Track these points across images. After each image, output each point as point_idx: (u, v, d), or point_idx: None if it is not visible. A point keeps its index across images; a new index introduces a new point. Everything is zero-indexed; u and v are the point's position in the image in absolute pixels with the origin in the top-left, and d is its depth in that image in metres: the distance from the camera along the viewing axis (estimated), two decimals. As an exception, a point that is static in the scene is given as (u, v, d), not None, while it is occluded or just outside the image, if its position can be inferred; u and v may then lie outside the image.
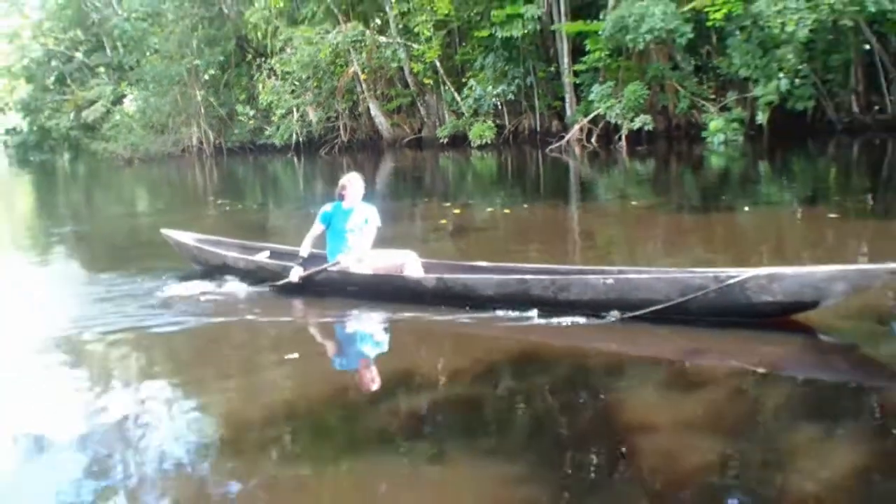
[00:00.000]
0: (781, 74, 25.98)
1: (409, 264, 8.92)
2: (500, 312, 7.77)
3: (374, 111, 38.07)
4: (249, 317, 8.47)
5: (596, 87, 29.38)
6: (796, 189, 17.36)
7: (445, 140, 34.61)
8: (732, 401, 5.75)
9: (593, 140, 29.82)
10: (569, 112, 31.90)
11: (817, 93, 27.77)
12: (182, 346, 7.80)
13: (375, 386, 6.40)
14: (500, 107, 33.91)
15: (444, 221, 14.95)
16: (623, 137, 28.55)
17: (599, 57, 29.23)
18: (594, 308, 7.47)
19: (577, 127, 30.32)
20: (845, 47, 27.45)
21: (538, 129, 33.61)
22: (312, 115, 39.09)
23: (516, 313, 7.69)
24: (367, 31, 36.12)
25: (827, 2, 22.91)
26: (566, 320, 7.39)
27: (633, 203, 16.58)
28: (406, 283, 8.66)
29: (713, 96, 29.33)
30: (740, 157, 24.55)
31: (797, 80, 26.66)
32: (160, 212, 21.66)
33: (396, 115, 38.55)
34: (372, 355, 7.50)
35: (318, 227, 9.33)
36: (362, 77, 37.05)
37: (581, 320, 7.37)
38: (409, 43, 35.14)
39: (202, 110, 44.83)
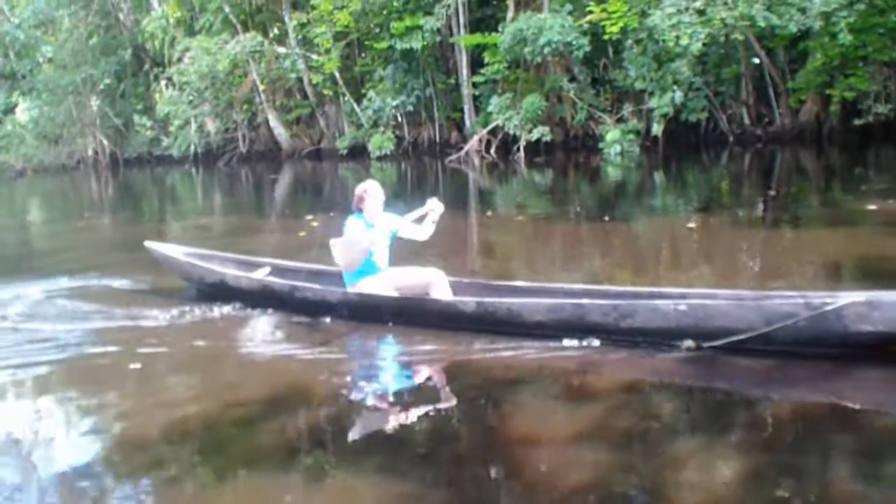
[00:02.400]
0: (676, 87, 26.63)
1: (436, 284, 8.06)
2: (552, 342, 6.91)
3: (273, 122, 37.80)
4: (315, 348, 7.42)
5: (494, 99, 29.59)
6: (690, 199, 17.72)
7: (345, 151, 34.52)
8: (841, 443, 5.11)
9: (492, 151, 30.03)
10: (468, 123, 32.09)
11: (710, 105, 28.49)
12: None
13: (397, 426, 5.65)
14: (399, 118, 33.97)
15: (303, 234, 14.91)
16: (521, 148, 28.80)
17: (498, 69, 29.48)
18: (663, 337, 6.72)
19: (476, 138, 30.49)
20: (736, 61, 28.22)
21: (438, 140, 33.73)
22: (211, 126, 38.70)
23: (571, 342, 6.89)
24: (266, 42, 35.86)
25: (719, 17, 23.46)
26: (630, 351, 6.68)
27: (532, 213, 16.75)
28: (439, 306, 7.78)
29: (610, 108, 29.81)
30: (636, 167, 24.98)
31: (691, 93, 27.46)
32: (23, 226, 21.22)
33: (296, 126, 38.32)
34: (405, 392, 6.53)
35: (366, 233, 7.96)
36: (261, 88, 36.79)
37: (646, 351, 6.66)
38: (308, 54, 34.99)
39: (97, 121, 43.93)
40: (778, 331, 6.30)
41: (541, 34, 26.50)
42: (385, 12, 31.48)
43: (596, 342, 6.84)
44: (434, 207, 8.22)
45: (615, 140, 27.51)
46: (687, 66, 26.06)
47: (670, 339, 6.67)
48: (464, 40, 30.94)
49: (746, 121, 29.09)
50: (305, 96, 37.08)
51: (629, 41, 27.66)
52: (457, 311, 7.56)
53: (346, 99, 35.20)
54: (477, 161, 29.21)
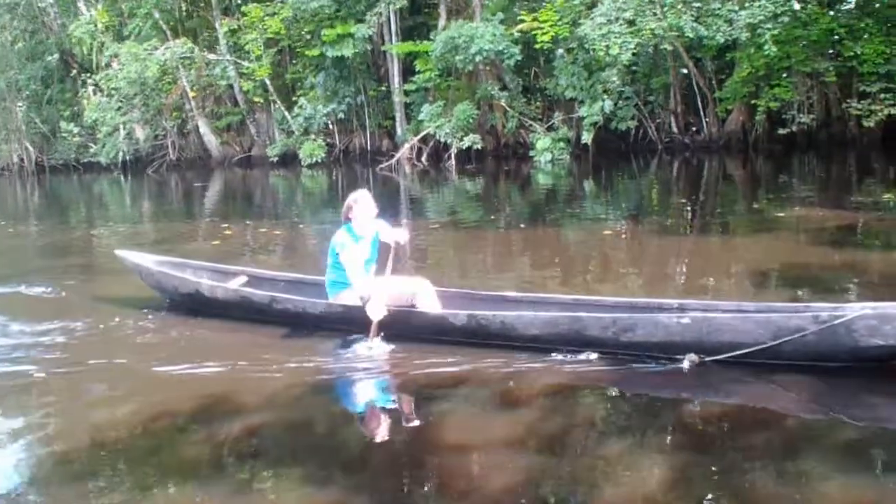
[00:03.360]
0: (605, 96, 26.99)
1: (422, 294, 7.71)
2: (555, 355, 6.68)
3: (204, 129, 37.48)
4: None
5: (426, 107, 29.68)
6: (620, 206, 17.91)
7: (276, 159, 34.34)
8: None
9: (423, 159, 30.10)
10: (399, 131, 32.12)
11: (639, 114, 28.88)
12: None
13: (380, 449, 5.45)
14: (330, 125, 33.89)
15: (217, 243, 14.87)
16: (452, 156, 28.90)
17: (429, 77, 29.56)
18: (665, 351, 6.49)
19: (407, 146, 30.54)
20: (665, 71, 28.66)
21: (369, 147, 33.74)
22: (140, 133, 38.27)
23: (566, 356, 6.66)
24: (196, 48, 35.57)
25: (648, 27, 23.79)
26: (630, 366, 6.43)
27: (462, 221, 16.81)
28: (429, 318, 7.45)
29: (540, 116, 30.08)
30: (566, 175, 25.21)
31: (620, 102, 27.84)
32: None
33: (226, 133, 38.03)
34: (371, 407, 6.38)
35: (359, 255, 7.75)
36: (191, 94, 36.47)
37: (649, 365, 6.43)
38: (239, 60, 34.78)
39: (23, 127, 43.13)
40: (785, 345, 6.16)
41: (472, 42, 26.63)
42: (316, 19, 31.38)
43: (594, 356, 6.64)
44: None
45: (546, 148, 27.75)
46: (617, 75, 26.42)
47: (672, 354, 6.46)
48: (395, 48, 30.97)
49: (675, 129, 29.55)
50: (236, 103, 36.82)
51: (560, 50, 27.94)
52: (447, 323, 7.29)
53: (277, 106, 35.05)
54: (408, 169, 29.25)
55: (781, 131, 26.74)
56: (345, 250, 7.70)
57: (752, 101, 27.11)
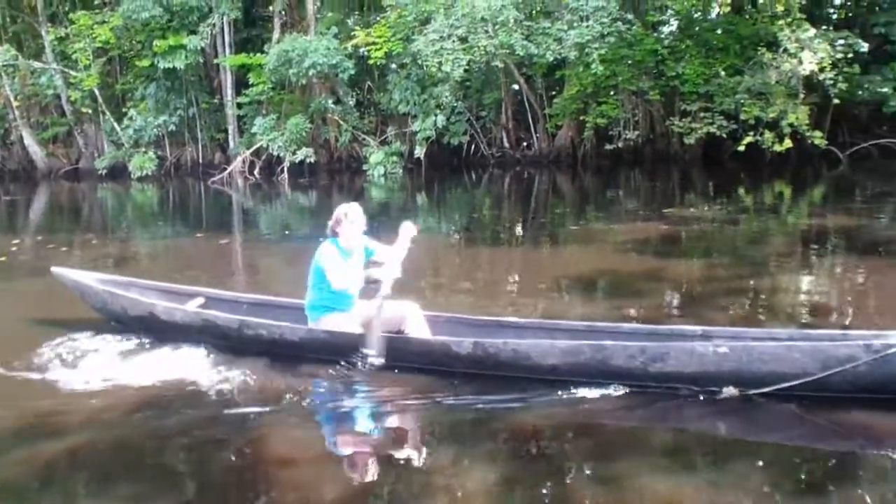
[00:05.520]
0: (438, 111, 27.33)
1: (411, 318, 7.12)
2: (578, 390, 6.07)
3: (28, 140, 36.13)
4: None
5: (259, 120, 29.38)
6: (452, 219, 18.17)
7: (105, 171, 33.39)
8: None
9: (256, 172, 29.79)
10: (232, 144, 31.70)
11: (472, 129, 29.29)
12: None
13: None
14: (162, 138, 33.21)
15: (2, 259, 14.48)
16: (285, 170, 28.70)
17: (263, 90, 29.32)
18: (700, 383, 5.93)
19: (239, 159, 30.18)
20: (497, 87, 29.18)
21: (201, 160, 33.11)
22: (-43, 144, 36.80)
23: (588, 390, 6.05)
24: (21, 56, 34.41)
25: (480, 44, 24.16)
26: (661, 400, 5.93)
27: (293, 234, 16.79)
28: (427, 346, 6.81)
29: (374, 130, 30.19)
30: (400, 189, 25.40)
31: (453, 117, 28.21)
32: None
33: (52, 144, 36.78)
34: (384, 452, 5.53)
35: (342, 265, 7.09)
36: (15, 104, 35.20)
37: (681, 400, 5.91)
38: (66, 70, 33.79)
39: None
40: (834, 376, 5.65)
41: (306, 56, 26.55)
42: (148, 29, 30.72)
43: (621, 390, 6.04)
44: (409, 232, 7.46)
45: (379, 162, 27.87)
46: (449, 90, 26.74)
47: (708, 386, 5.92)
48: (228, 60, 30.60)
49: (506, 144, 30.12)
50: (63, 114, 35.68)
51: (394, 65, 28.15)
52: (451, 352, 6.62)
53: (106, 117, 34.09)
54: (241, 182, 28.91)
55: (609, 147, 27.58)
56: (329, 260, 7.08)
57: (581, 118, 27.89)
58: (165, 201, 26.18)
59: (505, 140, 30.22)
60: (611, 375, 6.11)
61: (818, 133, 24.21)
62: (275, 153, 29.07)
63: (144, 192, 28.37)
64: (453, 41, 24.42)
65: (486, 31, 24.39)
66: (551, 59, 24.94)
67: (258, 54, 29.68)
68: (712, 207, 18.24)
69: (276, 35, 29.73)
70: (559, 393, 6.06)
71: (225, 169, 30.51)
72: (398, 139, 29.30)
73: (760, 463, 5.01)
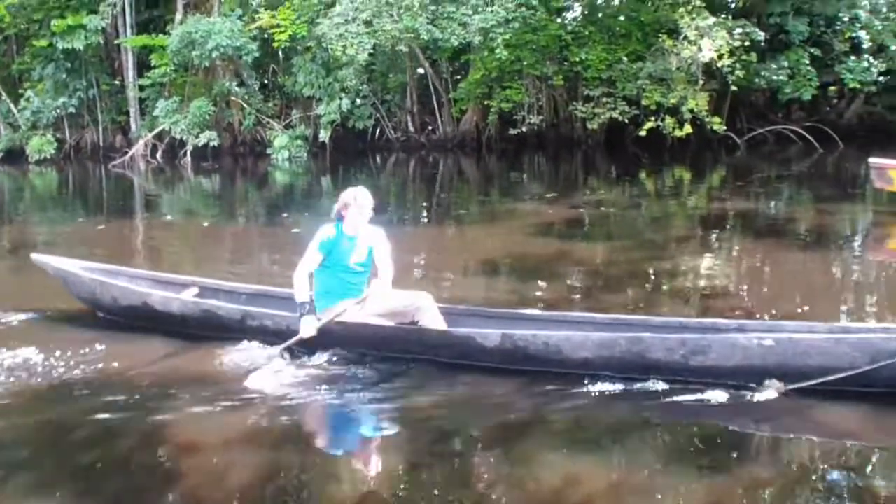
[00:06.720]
0: (343, 94, 27.23)
1: (425, 310, 6.87)
2: (605, 384, 5.91)
3: (-83, 122, 35.25)
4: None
5: (161, 103, 28.92)
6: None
7: (0, 154, 32.68)
8: None
9: (158, 156, 29.35)
10: (134, 127, 31.15)
11: (377, 112, 29.24)
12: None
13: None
14: (61, 120, 32.53)
15: None
16: (188, 153, 28.33)
17: (165, 72, 28.86)
18: (741, 377, 5.76)
19: (141, 142, 29.68)
20: (402, 71, 29.19)
21: (102, 143, 32.41)
22: None
23: (624, 383, 5.88)
24: None
25: (385, 28, 24.15)
26: (702, 394, 5.71)
27: (199, 218, 16.69)
28: (451, 339, 6.57)
29: (279, 114, 29.97)
30: (304, 172, 25.37)
31: (358, 100, 28.09)
32: None
33: (-56, 126, 35.90)
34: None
35: (314, 258, 6.88)
36: None
37: (723, 394, 5.68)
38: (-43, 49, 32.96)
39: None
40: (883, 370, 5.48)
41: (209, 38, 26.23)
42: (46, 8, 30.05)
43: (660, 384, 5.86)
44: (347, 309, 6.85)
45: (283, 146, 27.70)
46: (354, 74, 26.73)
47: (750, 379, 5.76)
48: (130, 41, 30.06)
49: (411, 128, 30.15)
50: (-45, 95, 34.85)
51: (299, 48, 27.98)
52: (475, 344, 6.40)
53: (2, 98, 33.35)
54: (143, 166, 28.48)
55: (513, 131, 27.71)
56: (311, 243, 6.92)
57: (486, 102, 27.99)
58: (65, 185, 25.71)
59: (410, 124, 30.25)
60: (648, 368, 5.94)
61: (717, 119, 24.69)
62: (178, 136, 28.65)
63: (43, 175, 27.77)
64: (358, 25, 24.37)
65: (391, 15, 24.38)
66: (456, 43, 24.99)
67: (160, 35, 29.24)
68: (615, 191, 18.55)
69: (178, 16, 29.25)
70: (581, 388, 5.91)
71: (126, 152, 29.97)
72: (303, 123, 29.14)
73: (812, 457, 5.01)
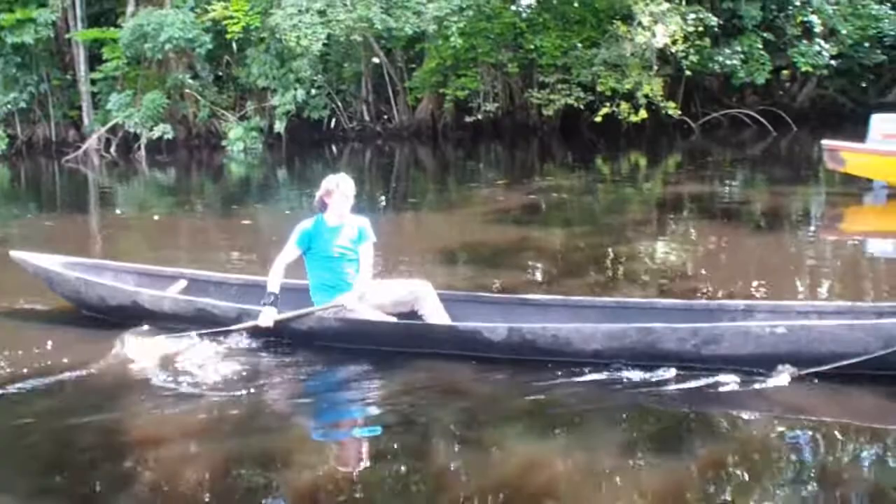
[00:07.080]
0: (298, 85, 27.07)
1: (424, 298, 6.75)
2: (618, 372, 5.91)
3: None
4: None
5: (114, 96, 28.64)
6: (312, 194, 18.10)
7: (-50, 151, 32.28)
8: None
9: (112, 150, 29.05)
10: (86, 121, 30.80)
11: (332, 103, 29.11)
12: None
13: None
14: (12, 116, 32.11)
15: None
16: (143, 147, 28.08)
17: (118, 65, 28.58)
18: (755, 364, 5.76)
19: (94, 137, 29.36)
20: (357, 61, 29.07)
21: (54, 139, 32.07)
22: None
23: (635, 372, 5.89)
24: None
25: (339, 18, 24.08)
26: (717, 381, 5.71)
27: (153, 212, 16.56)
28: (453, 333, 6.47)
29: (233, 106, 29.75)
30: (260, 164, 25.25)
31: (313, 91, 27.94)
32: None
33: None
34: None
35: (292, 252, 6.85)
36: None
37: (734, 380, 5.70)
38: None
39: None
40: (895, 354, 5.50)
41: (162, 30, 25.98)
42: (-6, 3, 29.73)
43: (671, 371, 5.87)
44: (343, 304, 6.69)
45: (238, 137, 27.53)
46: (309, 65, 26.58)
47: (762, 367, 5.76)
48: (81, 35, 29.73)
49: (367, 118, 30.04)
50: None
51: (252, 39, 27.79)
52: (482, 338, 6.30)
53: (-50, 95, 32.94)
54: (96, 160, 28.16)
55: (468, 119, 27.74)
56: (290, 237, 6.90)
57: (441, 91, 28.00)
58: (17, 182, 25.42)
59: (365, 113, 30.15)
60: (659, 358, 5.94)
61: (672, 104, 24.87)
62: (131, 130, 28.37)
63: (-6, 171, 27.47)
64: (311, 15, 24.27)
65: (345, 5, 24.32)
66: (410, 32, 24.98)
67: (112, 28, 28.94)
68: (571, 177, 18.64)
69: (130, 8, 28.93)
70: (589, 376, 5.92)
71: (80, 147, 29.67)
72: (258, 114, 28.94)
73: (828, 440, 5.05)
